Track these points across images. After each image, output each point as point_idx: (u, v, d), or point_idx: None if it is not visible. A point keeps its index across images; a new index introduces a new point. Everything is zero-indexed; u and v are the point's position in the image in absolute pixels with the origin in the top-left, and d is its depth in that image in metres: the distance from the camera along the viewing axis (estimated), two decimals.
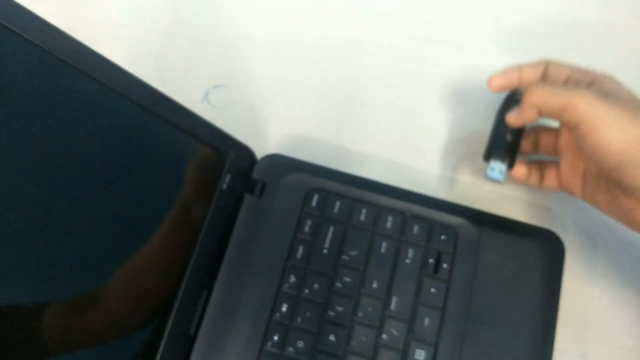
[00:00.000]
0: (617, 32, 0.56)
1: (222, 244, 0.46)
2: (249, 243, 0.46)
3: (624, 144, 0.37)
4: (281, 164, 0.49)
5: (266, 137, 0.54)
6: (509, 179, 0.48)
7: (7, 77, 0.32)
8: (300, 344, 0.43)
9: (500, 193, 0.51)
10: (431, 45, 0.56)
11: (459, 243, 0.46)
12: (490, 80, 0.46)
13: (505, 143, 0.46)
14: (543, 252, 0.46)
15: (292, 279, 0.45)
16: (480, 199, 0.51)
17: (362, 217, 0.47)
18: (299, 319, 0.44)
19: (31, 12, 0.35)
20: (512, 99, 0.47)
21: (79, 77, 0.37)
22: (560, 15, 0.57)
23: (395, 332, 0.44)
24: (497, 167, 0.46)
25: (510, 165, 0.46)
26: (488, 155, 0.46)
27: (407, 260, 0.46)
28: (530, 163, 0.48)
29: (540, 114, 0.42)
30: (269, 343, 0.44)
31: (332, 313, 0.44)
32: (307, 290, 0.45)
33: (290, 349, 0.43)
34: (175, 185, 0.43)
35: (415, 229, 0.47)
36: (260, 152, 0.50)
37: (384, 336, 0.44)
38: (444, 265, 0.45)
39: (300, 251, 0.46)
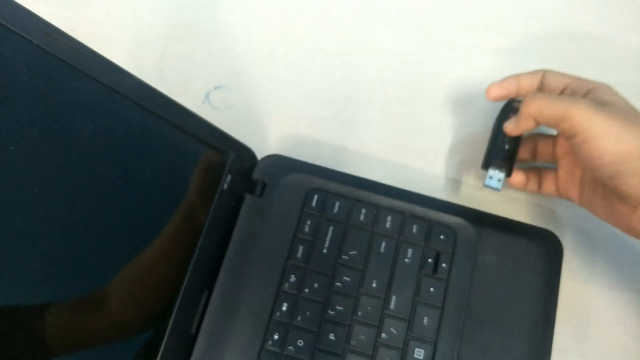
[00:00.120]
0: (617, 33, 0.56)
1: (222, 244, 0.46)
2: (250, 243, 0.47)
3: (619, 154, 0.37)
4: (281, 165, 0.49)
5: (266, 138, 0.54)
6: (508, 185, 0.48)
7: (10, 78, 0.33)
8: (300, 342, 0.44)
9: (499, 193, 0.51)
10: (430, 48, 0.57)
11: (457, 243, 0.46)
12: (488, 90, 0.46)
13: (503, 152, 0.46)
14: (542, 251, 0.47)
15: (292, 278, 0.45)
16: (478, 199, 0.51)
17: (362, 217, 0.47)
18: (299, 318, 0.44)
19: (33, 13, 0.35)
20: (510, 107, 0.47)
21: (81, 78, 0.37)
22: (559, 17, 0.57)
23: (394, 331, 0.44)
24: (495, 176, 0.46)
25: (509, 174, 0.46)
26: (486, 164, 0.47)
27: (407, 260, 0.46)
28: (528, 170, 0.48)
29: (538, 123, 0.43)
30: (270, 342, 0.44)
31: (332, 312, 0.44)
32: (307, 290, 0.45)
33: (291, 347, 0.44)
34: (177, 186, 0.43)
35: (415, 228, 0.47)
36: (260, 152, 0.50)
37: (383, 335, 0.44)
38: (443, 265, 0.46)
39: (300, 251, 0.46)
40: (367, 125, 0.54)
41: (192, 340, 0.44)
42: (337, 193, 0.48)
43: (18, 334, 0.32)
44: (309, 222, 0.47)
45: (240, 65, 0.57)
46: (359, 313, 0.45)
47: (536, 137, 0.48)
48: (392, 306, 0.45)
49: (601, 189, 0.43)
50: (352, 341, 0.44)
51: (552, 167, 0.48)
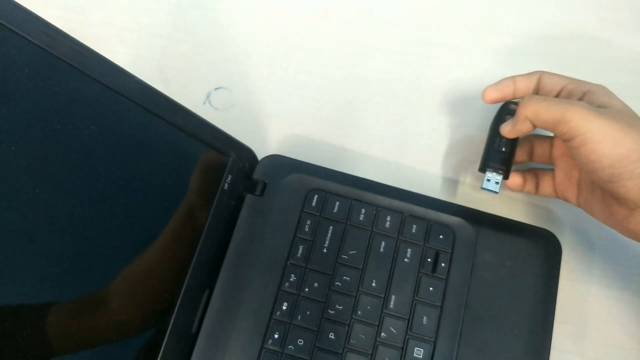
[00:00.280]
0: (616, 35, 0.56)
1: (223, 244, 0.47)
2: (250, 242, 0.47)
3: (616, 157, 0.37)
4: (282, 165, 0.50)
5: (267, 138, 0.54)
6: (505, 187, 0.48)
7: (11, 78, 0.33)
8: (300, 341, 0.44)
9: (498, 193, 0.51)
10: (429, 49, 0.57)
11: (456, 242, 0.47)
12: (484, 92, 0.46)
13: (500, 154, 0.47)
14: (540, 251, 0.47)
15: (293, 277, 0.46)
16: (477, 199, 0.51)
17: (361, 217, 0.47)
18: (299, 317, 0.45)
19: (35, 14, 0.35)
20: (506, 109, 0.47)
21: (82, 78, 0.37)
22: (559, 18, 0.57)
23: (394, 330, 0.44)
24: (493, 179, 0.46)
25: (506, 177, 0.47)
26: (483, 167, 0.47)
27: (406, 260, 0.46)
28: (525, 172, 0.48)
29: (535, 126, 0.43)
30: (270, 341, 0.44)
31: (331, 311, 0.45)
32: (307, 289, 0.45)
33: (291, 346, 0.44)
34: (178, 186, 0.43)
35: (414, 228, 0.47)
36: (261, 153, 0.51)
37: (382, 334, 0.44)
38: (442, 264, 0.46)
39: (300, 250, 0.46)
40: (367, 125, 0.55)
41: (192, 339, 0.44)
42: (337, 193, 0.48)
43: (20, 334, 0.32)
44: (309, 221, 0.47)
45: (240, 66, 0.57)
46: (359, 312, 0.45)
47: (532, 138, 0.48)
48: (391, 305, 0.45)
49: (599, 191, 0.43)
50: (351, 340, 0.44)
51: (548, 168, 0.48)
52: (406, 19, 0.58)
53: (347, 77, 0.56)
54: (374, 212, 0.48)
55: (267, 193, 0.48)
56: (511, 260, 0.46)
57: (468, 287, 0.45)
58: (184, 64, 0.57)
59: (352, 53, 0.57)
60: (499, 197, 0.51)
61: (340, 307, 0.45)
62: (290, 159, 0.50)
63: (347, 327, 0.44)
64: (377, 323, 0.45)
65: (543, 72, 0.45)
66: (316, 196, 0.48)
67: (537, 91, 0.45)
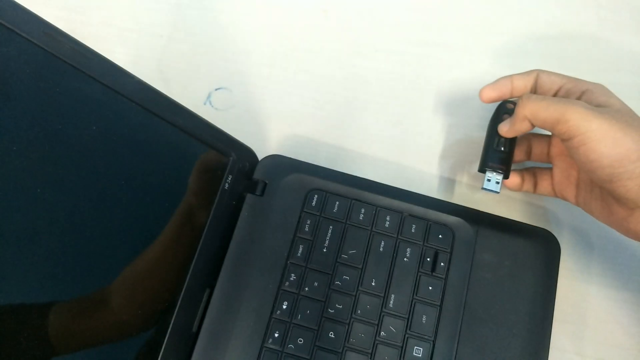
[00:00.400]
0: (616, 35, 0.56)
1: (224, 243, 0.47)
2: (251, 242, 0.47)
3: (616, 157, 0.37)
4: (282, 165, 0.50)
5: (267, 138, 0.54)
6: (504, 187, 0.48)
7: (13, 79, 0.33)
8: (300, 340, 0.44)
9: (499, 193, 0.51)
10: (429, 49, 0.57)
11: (455, 242, 0.47)
12: (481, 92, 0.46)
13: (500, 154, 0.46)
14: (539, 250, 0.47)
15: (293, 277, 0.46)
16: (476, 199, 0.51)
17: (361, 217, 0.48)
18: (299, 317, 0.45)
19: (36, 15, 0.35)
20: (503, 108, 0.47)
21: (83, 79, 0.37)
22: (558, 18, 0.57)
23: (393, 329, 0.44)
24: (493, 179, 0.46)
25: (506, 176, 0.47)
26: (483, 167, 0.47)
27: (405, 259, 0.46)
28: (524, 171, 0.48)
29: (533, 125, 0.43)
30: (270, 340, 0.44)
31: (331, 310, 0.45)
32: (307, 288, 0.45)
33: (291, 345, 0.44)
34: (178, 186, 0.44)
35: (413, 228, 0.47)
36: (261, 153, 0.51)
37: (382, 333, 0.44)
38: (441, 264, 0.46)
39: (300, 250, 0.47)
40: (367, 125, 0.55)
41: (193, 338, 0.44)
42: (336, 193, 0.48)
43: (21, 333, 0.32)
44: (309, 221, 0.47)
45: (241, 66, 0.57)
46: (359, 311, 0.45)
47: (530, 137, 0.48)
48: (391, 304, 0.45)
49: (598, 190, 0.43)
50: (351, 339, 0.44)
51: (547, 167, 0.48)
52: (406, 20, 0.58)
53: (347, 77, 0.57)
54: (374, 211, 0.48)
55: (268, 193, 0.48)
56: (510, 260, 0.46)
57: (467, 287, 0.46)
58: (184, 64, 0.57)
59: (352, 53, 0.57)
60: (498, 197, 0.51)
61: (340, 307, 0.45)
62: (290, 159, 0.50)
63: (346, 326, 0.45)
64: (376, 322, 0.45)
65: (540, 70, 0.45)
66: (316, 196, 0.48)
67: (534, 90, 0.45)
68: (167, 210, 0.42)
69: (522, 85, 0.45)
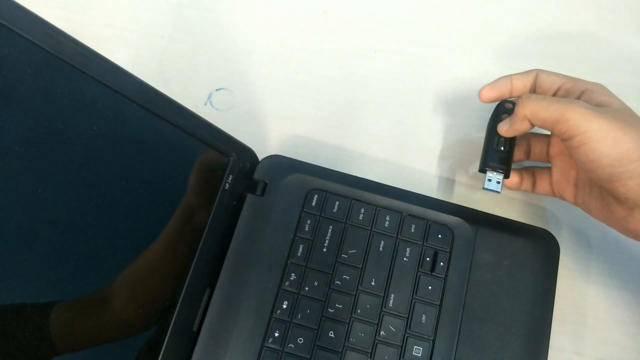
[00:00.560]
0: (616, 34, 0.56)
1: (224, 243, 0.47)
2: (251, 242, 0.47)
3: (616, 157, 0.37)
4: (282, 165, 0.50)
5: (267, 139, 0.54)
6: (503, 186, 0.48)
7: (14, 79, 0.33)
8: (300, 340, 0.44)
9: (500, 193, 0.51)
10: (429, 50, 0.57)
11: (455, 242, 0.47)
12: (481, 92, 0.46)
13: (499, 153, 0.47)
14: (538, 250, 0.47)
15: (293, 276, 0.46)
16: (476, 199, 0.51)
17: (361, 217, 0.48)
18: (299, 316, 0.45)
19: (37, 15, 0.35)
20: (502, 108, 0.47)
21: (84, 79, 0.37)
22: (557, 18, 0.57)
23: (393, 329, 0.45)
24: (494, 178, 0.46)
25: (507, 176, 0.47)
26: (483, 167, 0.47)
27: (405, 259, 0.46)
28: (522, 170, 0.48)
29: (533, 125, 0.43)
30: (270, 339, 0.44)
31: (331, 310, 0.45)
32: (307, 288, 0.46)
33: (291, 345, 0.44)
34: (179, 186, 0.44)
35: (413, 228, 0.47)
36: (261, 153, 0.51)
37: (382, 332, 0.44)
38: (441, 264, 0.46)
39: (300, 250, 0.47)
40: (367, 125, 0.55)
41: (194, 337, 0.44)
42: (336, 193, 0.49)
43: (22, 333, 0.32)
44: (309, 221, 0.48)
45: (241, 67, 0.57)
46: (358, 311, 0.45)
47: (530, 136, 0.48)
48: (390, 304, 0.45)
49: (597, 190, 0.43)
50: (351, 339, 0.44)
51: (546, 166, 0.48)
52: (406, 20, 0.58)
53: (347, 78, 0.57)
54: (374, 211, 0.48)
55: (268, 193, 0.49)
56: (509, 260, 0.47)
57: (466, 286, 0.46)
58: (185, 65, 0.58)
59: (352, 53, 0.58)
60: (498, 197, 0.51)
61: (340, 306, 0.45)
62: (290, 159, 0.50)
63: (346, 326, 0.45)
64: (376, 322, 0.45)
65: (540, 70, 0.45)
66: (316, 196, 0.48)
67: (534, 90, 0.45)
68: (168, 210, 0.43)
69: (522, 85, 0.45)
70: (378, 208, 0.48)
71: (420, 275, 0.46)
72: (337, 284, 0.46)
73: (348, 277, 0.46)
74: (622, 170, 0.37)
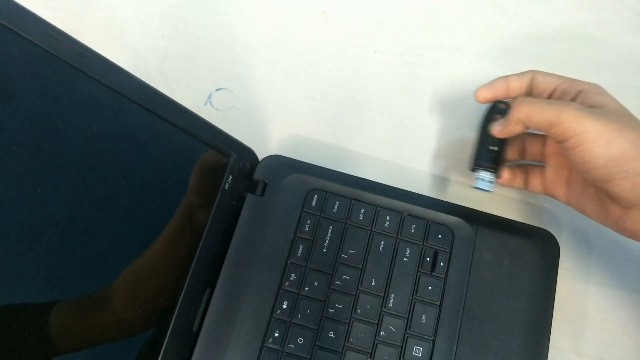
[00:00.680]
0: (615, 35, 0.56)
1: (224, 243, 0.47)
2: (251, 242, 0.47)
3: (611, 158, 0.38)
4: (282, 165, 0.50)
5: (267, 139, 0.54)
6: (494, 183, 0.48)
7: (14, 79, 0.33)
8: (300, 340, 0.44)
9: (498, 193, 0.51)
10: (429, 50, 0.57)
11: (455, 242, 0.47)
12: (477, 92, 0.46)
13: (491, 153, 0.47)
14: (538, 250, 0.47)
15: (293, 276, 0.46)
16: (475, 199, 0.51)
17: (361, 217, 0.48)
18: (299, 316, 0.45)
19: (37, 16, 0.35)
20: (495, 108, 0.47)
21: (84, 79, 0.37)
22: (558, 18, 0.57)
23: (393, 329, 0.45)
24: (485, 178, 0.47)
25: (498, 175, 0.47)
26: (475, 166, 0.47)
27: (405, 259, 0.46)
28: (515, 167, 0.48)
29: (527, 127, 0.43)
30: (270, 339, 0.44)
31: (331, 310, 0.45)
32: (307, 288, 0.46)
33: (291, 345, 0.44)
34: (179, 186, 0.44)
35: (413, 228, 0.47)
36: (261, 153, 0.51)
37: (382, 333, 0.45)
38: (441, 264, 0.46)
39: (300, 250, 0.47)
40: (366, 126, 0.55)
41: (194, 338, 0.44)
42: (336, 193, 0.49)
43: (23, 333, 0.32)
44: (309, 221, 0.48)
45: (241, 67, 0.57)
46: (358, 311, 0.45)
47: (524, 136, 0.48)
48: (390, 304, 0.45)
49: (592, 189, 0.43)
50: (351, 339, 0.44)
51: (539, 165, 0.48)
52: (405, 21, 0.58)
53: (347, 78, 0.57)
54: (374, 211, 0.48)
55: (268, 193, 0.49)
56: (509, 260, 0.47)
57: (466, 286, 0.46)
58: (185, 65, 0.58)
59: (352, 54, 0.58)
60: (497, 196, 0.51)
61: (340, 306, 0.45)
62: (290, 159, 0.50)
63: (346, 326, 0.45)
64: (376, 322, 0.45)
65: (536, 71, 0.45)
66: (316, 196, 0.48)
67: (530, 91, 0.45)
68: (168, 210, 0.43)
69: (518, 86, 0.45)
70: (378, 208, 0.48)
71: (420, 275, 0.46)
72: (337, 284, 0.46)
73: (348, 277, 0.46)
74: (617, 170, 0.38)
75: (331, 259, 0.46)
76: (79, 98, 0.37)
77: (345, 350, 0.44)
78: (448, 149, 0.54)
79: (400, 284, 0.46)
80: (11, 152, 0.32)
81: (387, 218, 0.48)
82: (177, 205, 0.43)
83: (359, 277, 0.46)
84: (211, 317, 0.45)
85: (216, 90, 0.56)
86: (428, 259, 0.46)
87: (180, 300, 0.43)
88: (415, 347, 0.44)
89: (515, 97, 0.46)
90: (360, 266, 0.46)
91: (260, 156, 0.51)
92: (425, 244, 0.47)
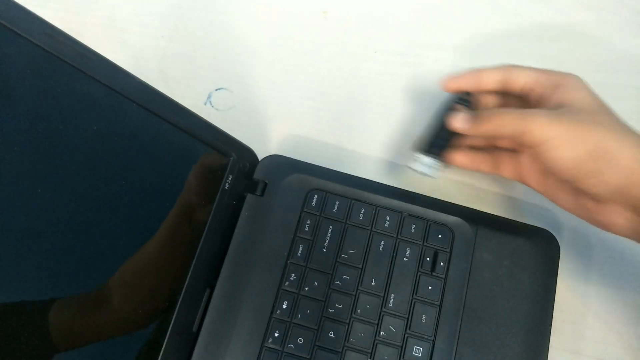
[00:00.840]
0: (615, 35, 0.56)
1: (224, 243, 0.47)
2: (251, 242, 0.47)
3: (575, 160, 0.39)
4: (282, 165, 0.50)
5: (267, 139, 0.54)
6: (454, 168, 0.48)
7: (14, 79, 0.33)
8: (300, 340, 0.44)
9: (501, 193, 0.51)
10: (429, 51, 0.57)
11: (455, 242, 0.47)
12: (444, 81, 0.47)
13: (440, 140, 0.46)
14: (538, 250, 0.47)
15: (293, 276, 0.46)
16: (474, 198, 0.51)
17: (361, 217, 0.48)
18: (299, 316, 0.45)
19: (37, 15, 0.35)
20: (458, 98, 0.47)
21: (84, 79, 0.37)
22: (558, 18, 0.57)
23: (393, 329, 0.45)
24: (429, 162, 0.47)
25: (443, 160, 0.47)
26: (422, 149, 0.47)
27: (405, 259, 0.46)
28: (479, 151, 0.48)
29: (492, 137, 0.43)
30: (270, 339, 0.44)
31: (331, 310, 0.45)
32: (307, 288, 0.46)
33: (291, 345, 0.44)
34: (179, 186, 0.44)
35: (413, 228, 0.47)
36: (261, 153, 0.51)
37: (382, 333, 0.44)
38: (441, 264, 0.46)
39: (300, 250, 0.47)
40: (366, 125, 0.55)
41: (193, 338, 0.44)
42: (336, 193, 0.49)
43: (23, 332, 0.33)
44: (309, 221, 0.48)
45: (241, 67, 0.57)
46: (358, 311, 0.45)
47: None
48: (390, 304, 0.45)
49: (568, 183, 0.43)
50: (351, 339, 0.44)
51: (512, 151, 0.47)
52: (405, 21, 0.59)
53: (347, 78, 0.57)
54: (374, 211, 0.48)
55: (268, 193, 0.49)
56: (509, 260, 0.47)
57: (466, 286, 0.46)
58: (185, 65, 0.58)
59: (352, 54, 0.58)
60: (497, 196, 0.51)
61: (340, 306, 0.45)
62: (290, 159, 0.50)
63: (346, 326, 0.45)
64: (376, 322, 0.45)
65: (512, 65, 0.45)
66: (316, 196, 0.48)
67: (504, 86, 0.45)
68: (168, 210, 0.43)
69: (491, 79, 0.46)
70: (378, 208, 0.48)
71: (420, 275, 0.46)
72: (337, 284, 0.46)
73: (348, 277, 0.46)
74: (583, 172, 0.39)
75: (331, 259, 0.46)
76: (79, 98, 0.37)
77: (345, 350, 0.44)
78: None
79: (400, 284, 0.46)
80: (11, 151, 0.32)
81: (387, 218, 0.48)
82: (177, 205, 0.43)
83: (359, 277, 0.46)
84: (211, 317, 0.45)
85: (216, 90, 0.56)
86: (428, 259, 0.46)
87: (180, 300, 0.42)
88: (415, 347, 0.44)
89: (487, 91, 0.47)
90: (360, 266, 0.46)
91: (260, 156, 0.51)
92: (425, 244, 0.47)
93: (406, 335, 0.44)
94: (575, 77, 0.43)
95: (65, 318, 0.35)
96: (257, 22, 0.59)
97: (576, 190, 0.42)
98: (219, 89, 0.56)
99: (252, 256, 0.47)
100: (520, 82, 0.44)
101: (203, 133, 0.46)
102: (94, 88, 0.38)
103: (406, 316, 0.45)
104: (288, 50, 0.58)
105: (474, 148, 0.49)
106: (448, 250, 0.47)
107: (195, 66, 0.58)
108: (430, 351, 0.44)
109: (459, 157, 0.48)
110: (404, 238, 0.47)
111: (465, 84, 0.46)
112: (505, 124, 0.41)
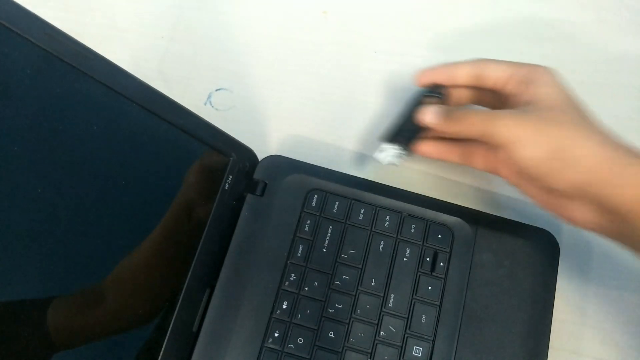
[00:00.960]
0: (615, 35, 0.56)
1: (224, 243, 0.47)
2: (251, 242, 0.47)
3: (539, 159, 0.39)
4: (282, 165, 0.50)
5: (267, 139, 0.54)
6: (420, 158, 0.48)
7: (13, 79, 0.33)
8: (300, 340, 0.44)
9: (502, 193, 0.51)
10: (429, 51, 0.57)
11: (455, 242, 0.47)
12: (417, 76, 0.47)
13: (407, 131, 0.46)
14: (538, 250, 0.47)
15: (293, 277, 0.46)
16: (475, 199, 0.51)
17: (361, 217, 0.48)
18: (299, 316, 0.45)
19: (37, 16, 0.35)
20: (430, 91, 0.47)
21: (84, 79, 0.37)
22: (557, 18, 0.57)
23: (393, 329, 0.45)
24: (394, 151, 0.46)
25: (409, 150, 0.46)
26: (388, 139, 0.47)
27: (405, 259, 0.46)
28: (447, 141, 0.48)
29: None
30: (270, 340, 0.44)
31: (331, 310, 0.45)
32: (307, 288, 0.46)
33: (291, 345, 0.44)
34: (179, 186, 0.44)
35: (413, 228, 0.47)
36: (261, 153, 0.51)
37: (382, 333, 0.45)
38: (441, 264, 0.46)
39: (300, 250, 0.47)
40: (366, 125, 0.55)
41: (193, 337, 0.44)
42: (336, 193, 0.49)
43: (22, 332, 0.33)
44: (309, 221, 0.48)
45: (241, 67, 0.57)
46: (358, 311, 0.45)
47: None
48: (390, 304, 0.45)
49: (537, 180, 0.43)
50: (351, 339, 0.44)
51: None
52: (406, 20, 0.59)
53: (347, 78, 0.57)
54: (373, 211, 0.48)
55: (268, 193, 0.49)
56: (509, 260, 0.47)
57: (466, 287, 0.46)
58: (185, 65, 0.58)
59: (352, 54, 0.58)
60: (497, 196, 0.51)
61: (340, 306, 0.45)
62: (290, 159, 0.50)
63: (346, 326, 0.45)
64: (376, 322, 0.45)
65: (487, 60, 0.45)
66: (316, 196, 0.48)
67: (478, 80, 0.45)
68: (168, 211, 0.43)
69: (465, 73, 0.46)
70: (378, 208, 0.48)
71: (420, 275, 0.46)
72: (337, 284, 0.46)
73: (348, 278, 0.46)
74: (547, 169, 0.39)
75: (331, 259, 0.46)
76: (78, 98, 0.37)
77: (345, 350, 0.44)
78: None
79: (400, 284, 0.46)
80: (11, 151, 0.32)
81: (387, 218, 0.48)
82: (177, 205, 0.43)
83: (359, 277, 0.46)
84: (211, 317, 0.45)
85: (216, 90, 0.56)
86: (428, 259, 0.46)
87: (180, 301, 0.43)
88: (415, 347, 0.44)
89: (460, 86, 0.47)
90: (360, 266, 0.46)
91: (260, 156, 0.51)
92: (425, 244, 0.47)
93: (406, 336, 0.44)
94: (547, 73, 0.43)
95: (65, 317, 0.35)
96: (257, 22, 0.59)
97: (545, 186, 0.42)
98: (219, 89, 0.56)
99: (252, 256, 0.47)
100: (492, 77, 0.45)
101: (203, 133, 0.46)
102: (94, 88, 0.38)
103: (406, 316, 0.45)
104: (288, 50, 0.58)
105: (444, 138, 0.48)
106: (448, 250, 0.47)
107: (195, 66, 0.58)
108: (430, 351, 0.44)
109: (426, 146, 0.48)
110: (403, 238, 0.47)
111: (438, 78, 0.46)
112: (474, 125, 0.42)
